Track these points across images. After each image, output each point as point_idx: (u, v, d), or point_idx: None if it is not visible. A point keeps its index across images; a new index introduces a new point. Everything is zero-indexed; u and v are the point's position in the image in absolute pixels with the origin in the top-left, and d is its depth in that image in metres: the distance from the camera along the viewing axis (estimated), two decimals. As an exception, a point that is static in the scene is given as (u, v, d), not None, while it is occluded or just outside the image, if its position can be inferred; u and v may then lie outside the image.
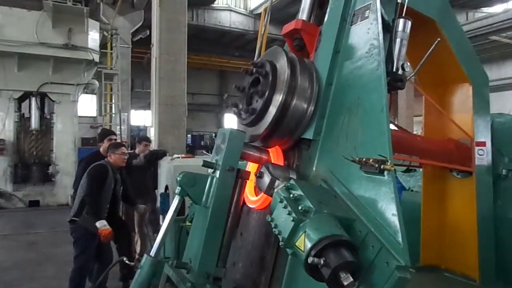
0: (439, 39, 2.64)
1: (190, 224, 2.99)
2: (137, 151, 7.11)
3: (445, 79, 3.35)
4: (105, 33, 15.96)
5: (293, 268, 2.18)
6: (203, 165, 2.48)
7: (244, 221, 2.78)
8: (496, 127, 3.29)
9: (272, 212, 1.98)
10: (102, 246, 4.95)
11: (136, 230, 6.74)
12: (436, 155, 3.21)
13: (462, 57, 3.12)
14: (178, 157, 7.54)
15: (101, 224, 4.74)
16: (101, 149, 5.86)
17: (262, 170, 2.43)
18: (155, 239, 2.56)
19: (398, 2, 2.52)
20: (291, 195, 1.97)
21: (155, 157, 7.62)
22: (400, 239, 1.75)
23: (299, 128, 2.50)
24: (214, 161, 2.46)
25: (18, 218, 10.88)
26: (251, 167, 2.81)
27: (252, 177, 2.62)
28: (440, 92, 3.41)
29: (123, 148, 5.43)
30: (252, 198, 2.65)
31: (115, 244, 5.54)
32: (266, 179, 2.36)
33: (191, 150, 20.86)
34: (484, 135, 3.18)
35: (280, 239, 1.87)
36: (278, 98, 2.43)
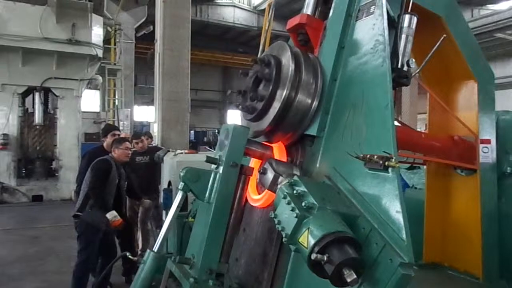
0: (444, 35, 2.63)
1: (193, 219, 2.99)
2: (140, 146, 7.08)
3: (450, 76, 3.33)
4: (108, 28, 15.99)
5: (296, 264, 2.18)
6: (206, 161, 2.48)
7: (247, 217, 2.78)
8: (501, 124, 3.27)
9: (276, 208, 1.98)
10: (105, 240, 4.96)
11: (139, 225, 6.76)
12: (440, 152, 3.20)
13: (467, 54, 3.10)
14: (181, 153, 7.53)
15: (112, 215, 4.82)
16: (104, 144, 5.88)
17: (265, 166, 2.42)
18: (158, 235, 2.56)
19: (404, -2, 2.50)
20: (295, 191, 1.96)
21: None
22: (404, 236, 1.74)
23: (302, 124, 2.49)
24: (217, 157, 2.46)
25: (22, 212, 10.94)
26: (254, 163, 2.80)
27: (255, 175, 2.61)
28: (444, 89, 3.39)
29: (127, 143, 5.45)
30: (254, 196, 2.65)
31: (117, 239, 5.56)
32: (270, 175, 2.35)
33: (194, 146, 20.88)
34: (489, 133, 3.16)
35: (283, 235, 1.87)
36: (282, 93, 2.42)
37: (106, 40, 15.53)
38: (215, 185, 2.42)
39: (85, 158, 5.91)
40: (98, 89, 18.33)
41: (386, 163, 1.91)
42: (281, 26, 16.28)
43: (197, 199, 2.67)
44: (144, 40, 20.34)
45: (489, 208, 3.09)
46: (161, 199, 6.94)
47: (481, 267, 3.02)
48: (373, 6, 2.37)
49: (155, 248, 2.49)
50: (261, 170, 2.43)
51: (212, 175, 2.46)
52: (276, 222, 1.93)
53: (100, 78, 15.34)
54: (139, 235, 6.79)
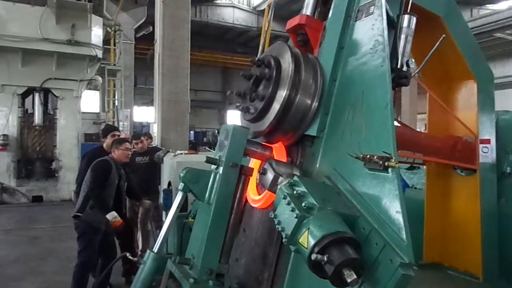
0: (444, 35, 2.62)
1: (193, 220, 2.99)
2: (139, 146, 7.09)
3: (450, 76, 3.33)
4: (108, 29, 15.98)
5: (296, 265, 2.18)
6: (206, 161, 2.48)
7: (247, 217, 2.78)
8: (500, 124, 3.27)
9: (276, 209, 1.98)
10: (105, 241, 4.96)
11: (139, 226, 6.76)
12: (440, 152, 3.20)
13: (467, 53, 3.10)
14: (181, 153, 7.53)
15: (112, 216, 4.82)
16: (104, 145, 5.88)
17: (265, 167, 2.42)
18: (158, 235, 2.56)
19: (403, -2, 2.51)
20: (295, 192, 1.96)
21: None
22: (404, 236, 1.74)
23: (302, 124, 2.49)
24: (217, 157, 2.46)
25: (21, 213, 10.93)
26: (254, 163, 2.80)
27: (255, 175, 2.61)
28: (444, 89, 3.39)
29: (127, 143, 5.46)
30: (254, 197, 2.65)
31: (117, 240, 5.56)
32: (270, 175, 2.35)
33: (194, 146, 20.87)
34: (488, 133, 3.16)
35: (283, 236, 1.87)
36: (282, 94, 2.42)
37: (106, 41, 15.54)
38: (215, 186, 2.42)
39: (85, 158, 5.91)
40: (98, 90, 18.31)
41: (386, 163, 1.91)
42: (281, 26, 16.28)
43: (197, 200, 2.67)
44: (144, 41, 20.35)
45: (489, 208, 3.09)
46: (161, 200, 6.94)
47: (481, 267, 3.02)
48: (373, 7, 2.37)
49: (155, 248, 2.49)
50: (261, 171, 2.43)
51: (212, 176, 2.46)
52: (276, 222, 1.93)
53: (100, 78, 15.33)
54: (139, 236, 6.79)
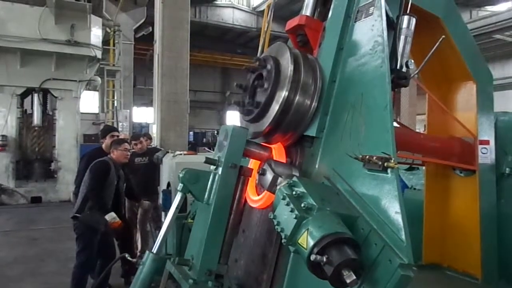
0: (443, 36, 2.63)
1: (192, 221, 2.98)
2: (139, 147, 7.10)
3: (449, 77, 3.34)
4: (107, 29, 15.97)
5: (296, 265, 2.18)
6: (205, 162, 2.48)
7: (246, 218, 2.78)
8: (500, 125, 3.28)
9: (275, 209, 1.98)
10: (104, 242, 4.96)
11: (138, 226, 6.75)
12: (439, 153, 3.21)
13: (466, 55, 3.10)
14: (180, 154, 7.52)
15: (111, 217, 4.81)
16: (103, 146, 5.87)
17: (264, 167, 2.42)
18: (157, 236, 2.56)
19: (403, -1, 2.51)
20: (294, 192, 1.96)
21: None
22: (403, 237, 1.74)
23: (302, 125, 2.49)
24: (216, 158, 2.45)
25: (20, 214, 10.90)
26: (253, 164, 2.80)
27: (254, 175, 2.61)
28: (443, 90, 3.40)
29: (126, 144, 5.45)
30: (253, 197, 2.65)
31: (116, 241, 5.55)
32: (269, 176, 2.35)
33: (193, 147, 20.85)
34: (487, 134, 3.16)
35: (283, 236, 1.87)
36: (281, 94, 2.43)
37: (105, 41, 15.53)
38: (214, 186, 2.42)
39: (84, 159, 5.90)
40: (97, 90, 18.31)
41: (385, 164, 1.91)
42: (280, 27, 16.29)
43: (196, 200, 2.67)
44: (143, 41, 20.34)
45: (488, 209, 3.10)
46: (160, 201, 6.94)
47: (480, 268, 3.03)
48: (372, 7, 2.37)
49: (154, 249, 2.48)
50: (260, 171, 2.43)
51: (211, 176, 2.45)
52: (275, 223, 1.93)
53: (99, 79, 15.30)
54: (138, 237, 6.78)
